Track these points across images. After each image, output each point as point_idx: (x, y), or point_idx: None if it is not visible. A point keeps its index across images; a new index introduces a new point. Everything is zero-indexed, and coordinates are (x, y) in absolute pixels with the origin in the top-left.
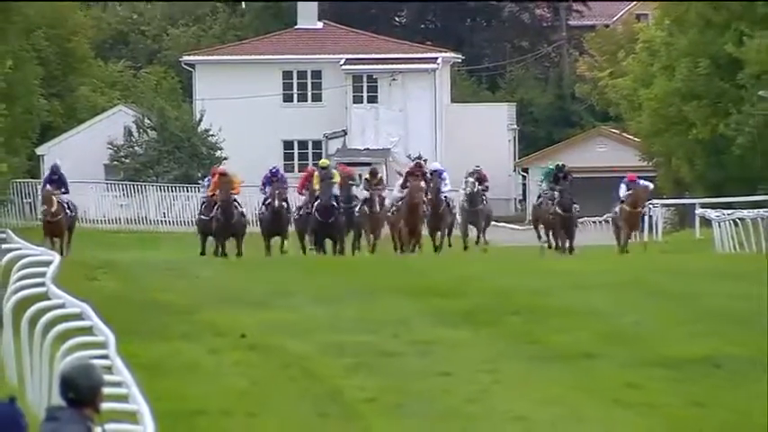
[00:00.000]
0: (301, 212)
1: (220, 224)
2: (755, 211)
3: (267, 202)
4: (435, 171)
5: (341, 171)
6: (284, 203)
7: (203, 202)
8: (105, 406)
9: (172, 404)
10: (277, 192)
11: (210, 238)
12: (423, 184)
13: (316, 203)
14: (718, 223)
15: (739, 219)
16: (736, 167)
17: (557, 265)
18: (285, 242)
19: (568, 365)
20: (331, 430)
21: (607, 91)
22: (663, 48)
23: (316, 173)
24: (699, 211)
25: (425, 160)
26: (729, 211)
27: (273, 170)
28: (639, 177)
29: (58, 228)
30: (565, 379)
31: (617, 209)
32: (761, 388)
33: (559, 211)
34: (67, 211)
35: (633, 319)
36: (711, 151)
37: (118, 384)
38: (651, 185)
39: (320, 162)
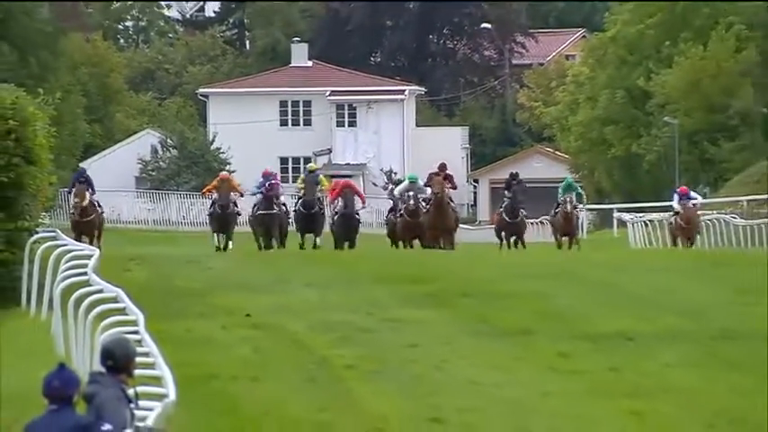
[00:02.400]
0: (335, 218)
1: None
2: (662, 213)
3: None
4: (415, 181)
5: (347, 186)
6: (276, 207)
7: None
8: (137, 372)
9: (190, 370)
10: (272, 194)
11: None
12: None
13: (300, 201)
14: (632, 224)
15: (648, 220)
16: (646, 178)
17: (504, 258)
18: (285, 239)
19: (512, 339)
20: (319, 391)
21: (542, 117)
22: (587, 81)
23: (302, 176)
24: (616, 214)
25: (395, 173)
26: (641, 215)
27: (267, 174)
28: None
29: (88, 227)
30: (508, 350)
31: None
32: (664, 357)
33: (506, 217)
34: (98, 209)
35: (564, 302)
36: (626, 166)
37: (146, 355)
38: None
39: (308, 166)
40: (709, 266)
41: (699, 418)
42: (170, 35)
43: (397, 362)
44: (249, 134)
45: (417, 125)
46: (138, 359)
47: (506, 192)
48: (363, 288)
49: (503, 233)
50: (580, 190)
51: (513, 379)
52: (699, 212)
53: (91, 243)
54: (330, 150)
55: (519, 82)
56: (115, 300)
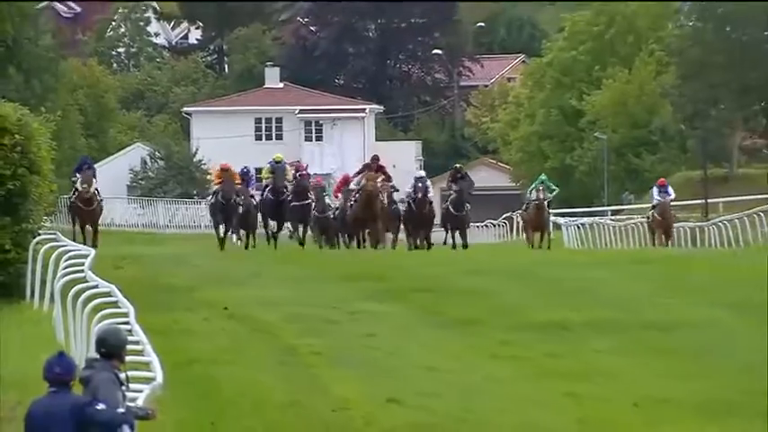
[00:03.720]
0: (336, 214)
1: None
2: (592, 218)
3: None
4: (420, 178)
5: (314, 182)
6: (252, 200)
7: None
8: (128, 358)
9: (175, 357)
10: (245, 188)
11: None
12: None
13: (268, 189)
14: (566, 227)
15: (581, 224)
16: (578, 187)
17: (457, 257)
18: (252, 236)
19: (460, 329)
20: (288, 374)
21: (487, 132)
22: (526, 101)
23: (268, 165)
24: (552, 218)
25: None
26: (574, 219)
27: (244, 170)
28: (508, 195)
29: (91, 216)
30: (458, 339)
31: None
32: (596, 344)
33: (452, 209)
34: (98, 197)
35: (507, 296)
36: (561, 175)
37: (136, 343)
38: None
39: (274, 156)
40: (635, 264)
41: (627, 399)
42: (157, 60)
43: (358, 349)
44: (228, 147)
45: (377, 139)
46: (128, 347)
47: (452, 185)
48: (328, 284)
49: (448, 225)
50: (554, 187)
51: (462, 364)
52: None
53: (95, 232)
54: (299, 162)
55: (466, 101)
56: (109, 294)
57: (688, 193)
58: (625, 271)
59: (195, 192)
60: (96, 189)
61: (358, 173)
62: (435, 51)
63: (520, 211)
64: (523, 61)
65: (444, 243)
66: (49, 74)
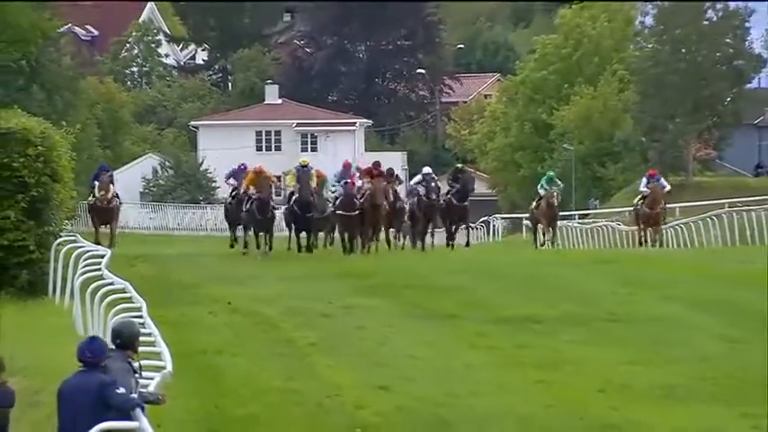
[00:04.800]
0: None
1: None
2: (561, 221)
3: (234, 194)
4: (428, 174)
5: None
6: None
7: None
8: (141, 349)
9: (183, 347)
10: (243, 183)
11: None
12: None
13: (294, 198)
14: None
15: (531, 230)
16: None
17: (438, 256)
18: (248, 233)
19: (441, 322)
20: (286, 363)
21: (466, 144)
22: (501, 115)
23: (293, 170)
24: (525, 221)
25: None
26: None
27: (242, 166)
28: (485, 200)
29: (109, 214)
30: (439, 331)
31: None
32: (564, 336)
33: (453, 200)
34: (117, 199)
35: (484, 292)
36: (533, 183)
37: (148, 335)
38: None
39: (301, 160)
40: (599, 263)
41: (592, 385)
42: (167, 78)
43: (350, 340)
44: (231, 158)
45: (366, 150)
46: (141, 338)
47: (452, 182)
48: (322, 281)
49: (447, 219)
50: (560, 183)
51: (443, 353)
52: (664, 199)
53: (112, 232)
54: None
55: (447, 116)
56: (123, 291)
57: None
58: (590, 269)
59: (201, 198)
60: (116, 193)
61: (361, 176)
62: (419, 71)
63: (531, 209)
64: (499, 80)
65: (447, 245)
66: (69, 91)
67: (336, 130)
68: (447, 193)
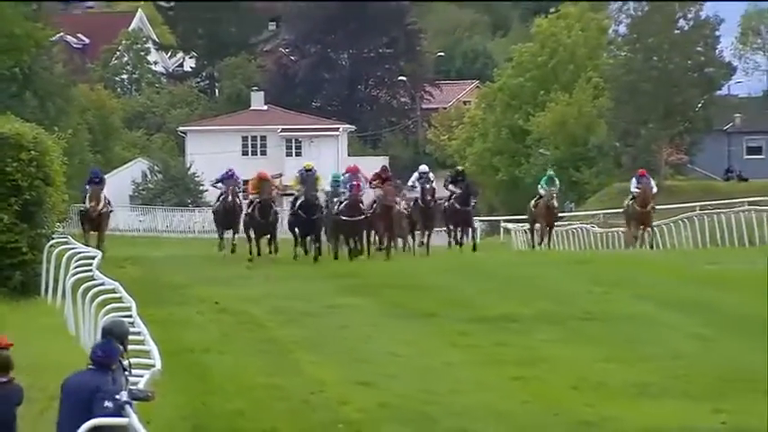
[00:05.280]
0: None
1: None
2: (538, 224)
3: (221, 198)
4: (425, 173)
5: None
6: (237, 199)
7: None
8: (130, 347)
9: (171, 345)
10: (230, 188)
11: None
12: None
13: (299, 202)
14: (514, 232)
15: (528, 229)
16: (525, 197)
17: (417, 256)
18: (236, 236)
19: (422, 321)
20: (271, 361)
21: (446, 149)
22: (480, 121)
23: (298, 174)
24: (502, 224)
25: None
26: (521, 224)
27: (229, 172)
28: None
29: (98, 222)
30: (420, 329)
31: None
32: (540, 334)
33: (456, 204)
34: (107, 206)
35: (463, 292)
36: (510, 187)
37: (138, 333)
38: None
39: (304, 164)
40: (575, 263)
41: (568, 382)
42: (156, 85)
43: (333, 338)
44: (218, 162)
45: (349, 155)
46: (130, 337)
47: (451, 186)
48: (307, 282)
49: (450, 223)
50: (558, 182)
51: (423, 351)
52: (652, 200)
53: (99, 237)
54: (281, 174)
55: (427, 122)
56: (113, 291)
57: (621, 202)
58: (566, 270)
59: (189, 201)
60: (107, 200)
61: (370, 181)
62: (400, 78)
63: (529, 208)
64: (477, 86)
65: (449, 245)
66: (61, 98)
67: (320, 136)
68: (449, 198)
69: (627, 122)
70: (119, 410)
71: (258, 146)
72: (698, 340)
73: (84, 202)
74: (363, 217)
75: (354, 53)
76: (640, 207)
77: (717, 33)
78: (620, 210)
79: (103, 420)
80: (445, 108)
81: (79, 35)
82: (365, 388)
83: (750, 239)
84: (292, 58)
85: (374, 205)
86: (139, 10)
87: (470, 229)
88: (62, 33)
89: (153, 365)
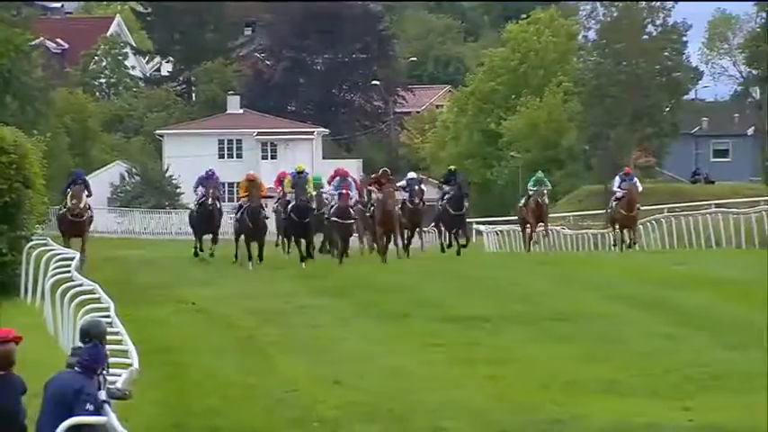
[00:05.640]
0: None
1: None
2: (509, 226)
3: (200, 201)
4: (413, 179)
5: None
6: (216, 202)
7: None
8: (108, 347)
9: (149, 345)
10: (210, 191)
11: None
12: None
13: (290, 205)
14: (486, 233)
15: (498, 231)
16: (497, 199)
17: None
18: (215, 241)
19: (394, 321)
20: (246, 359)
21: (419, 151)
22: (452, 125)
23: (288, 176)
24: (474, 225)
25: None
26: (492, 226)
27: (209, 172)
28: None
29: (80, 228)
30: (392, 330)
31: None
32: (511, 334)
33: (450, 209)
34: (89, 211)
35: (435, 292)
36: (482, 189)
37: (116, 333)
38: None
39: (296, 166)
40: (544, 264)
41: (537, 381)
42: (134, 89)
43: (306, 338)
44: (195, 165)
45: (323, 158)
46: (109, 336)
47: (445, 186)
48: (282, 283)
49: (442, 226)
50: (548, 183)
51: (395, 351)
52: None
53: (82, 245)
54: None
55: (401, 125)
56: (92, 291)
57: (591, 205)
58: (537, 271)
59: (167, 203)
60: (88, 206)
61: (370, 183)
62: (374, 82)
63: (519, 206)
64: (450, 91)
65: (443, 250)
66: (40, 101)
67: (295, 139)
68: (442, 198)
69: (596, 126)
70: (98, 410)
71: (234, 149)
72: (665, 339)
73: (63, 205)
74: (352, 221)
75: (329, 58)
76: (626, 211)
77: (684, 39)
78: (591, 212)
79: (82, 419)
80: (418, 112)
81: (58, 40)
82: (339, 387)
83: (717, 241)
84: (268, 62)
85: (371, 208)
86: (117, 16)
87: (464, 234)
88: (42, 38)
89: (131, 365)
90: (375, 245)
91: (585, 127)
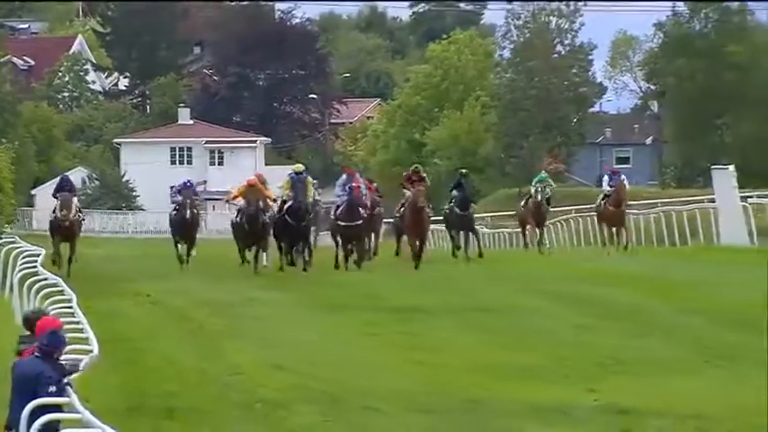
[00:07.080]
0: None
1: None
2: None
3: (178, 209)
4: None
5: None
6: (194, 211)
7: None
8: (69, 336)
9: (109, 334)
10: (188, 201)
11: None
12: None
13: (286, 207)
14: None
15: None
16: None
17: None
18: (193, 249)
19: (335, 312)
20: (197, 347)
21: (352, 159)
22: (382, 134)
23: (288, 178)
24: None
25: None
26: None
27: (188, 183)
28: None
29: (70, 231)
30: (332, 320)
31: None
32: (443, 324)
33: (457, 209)
34: (79, 214)
35: (376, 286)
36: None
37: (77, 323)
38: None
39: (294, 167)
40: (469, 261)
41: (466, 367)
42: (94, 102)
43: (253, 328)
44: (149, 171)
45: (266, 165)
46: (71, 326)
47: (454, 191)
48: (232, 277)
49: (452, 229)
50: (552, 183)
51: (335, 339)
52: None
53: (72, 248)
54: (206, 182)
55: (335, 135)
56: (56, 285)
57: (508, 207)
58: (461, 266)
59: (123, 205)
60: (79, 208)
61: (401, 184)
62: (311, 96)
63: (519, 207)
64: (379, 104)
65: (453, 254)
66: (9, 113)
67: (240, 147)
68: (450, 201)
69: (511, 136)
70: (60, 392)
71: (185, 156)
72: (578, 329)
73: (53, 211)
74: (362, 221)
75: (270, 74)
76: (614, 207)
77: (590, 57)
78: (509, 213)
79: (46, 400)
80: (351, 123)
81: (25, 57)
82: (280, 371)
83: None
84: (215, 78)
85: (402, 209)
86: (79, 35)
87: (473, 235)
88: (9, 56)
89: (91, 351)
90: (381, 246)
91: (501, 137)
